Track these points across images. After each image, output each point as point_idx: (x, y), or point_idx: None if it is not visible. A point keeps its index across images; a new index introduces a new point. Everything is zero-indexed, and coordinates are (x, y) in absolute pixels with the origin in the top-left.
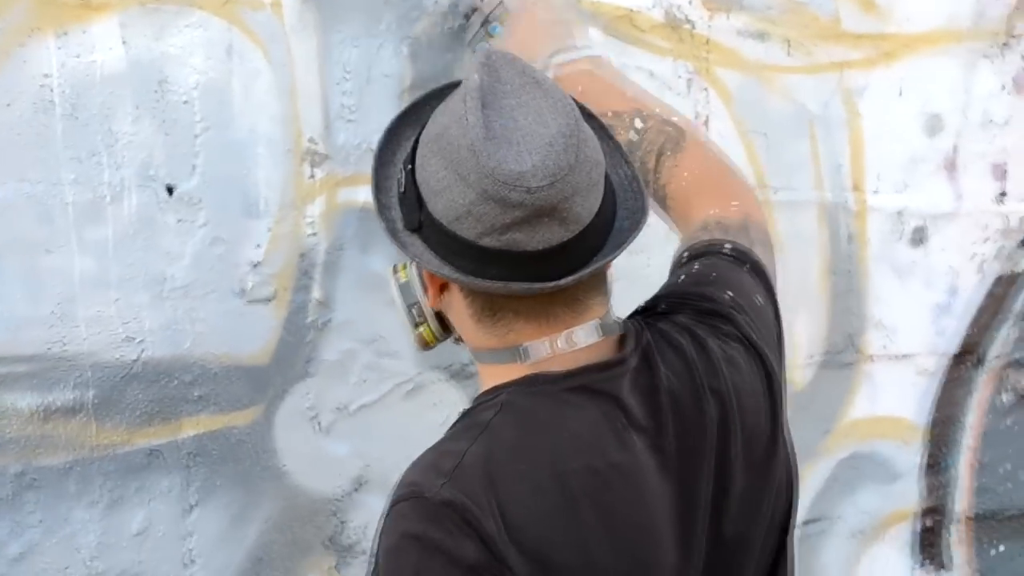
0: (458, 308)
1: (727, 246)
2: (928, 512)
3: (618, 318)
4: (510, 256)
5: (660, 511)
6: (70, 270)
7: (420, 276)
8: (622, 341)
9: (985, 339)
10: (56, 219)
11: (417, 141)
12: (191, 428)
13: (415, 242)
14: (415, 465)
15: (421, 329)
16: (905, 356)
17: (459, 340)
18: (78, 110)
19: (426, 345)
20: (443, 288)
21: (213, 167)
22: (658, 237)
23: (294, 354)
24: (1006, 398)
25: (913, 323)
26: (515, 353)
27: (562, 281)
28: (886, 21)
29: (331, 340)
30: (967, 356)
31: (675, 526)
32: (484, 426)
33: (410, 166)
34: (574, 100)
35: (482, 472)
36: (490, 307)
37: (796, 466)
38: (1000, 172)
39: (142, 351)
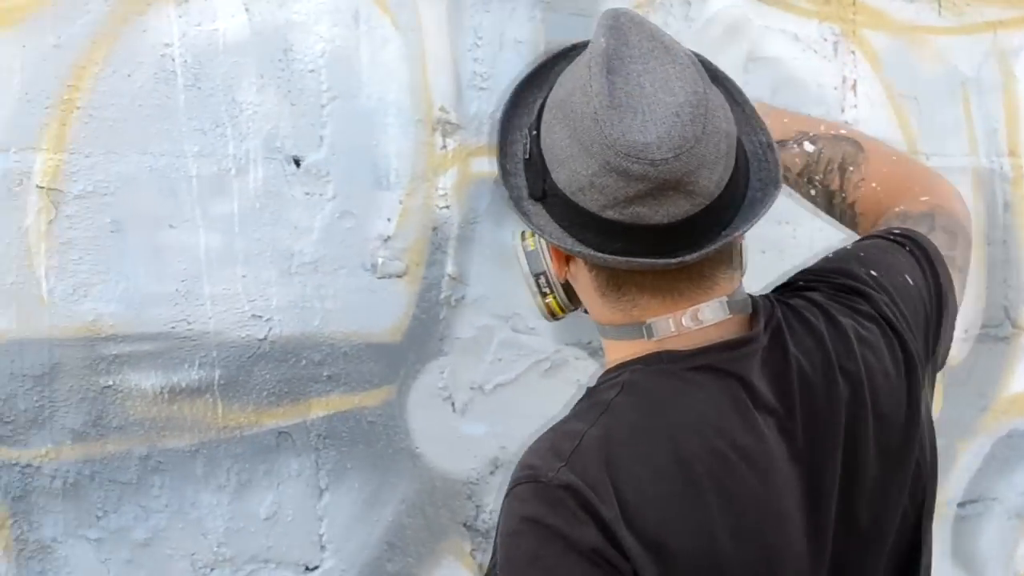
0: (583, 280)
1: (896, 231)
2: None
3: (749, 294)
4: (634, 230)
5: (788, 497)
6: (195, 246)
7: (547, 245)
8: (752, 319)
9: None
10: (180, 193)
11: (543, 105)
12: (321, 409)
13: (539, 212)
14: (534, 447)
15: (548, 299)
16: None
17: (586, 312)
18: (200, 80)
19: (553, 316)
20: (568, 259)
21: (341, 138)
22: (805, 206)
23: (427, 332)
24: None
25: None
26: (639, 329)
27: (687, 257)
28: None
29: (465, 316)
30: None
31: (804, 513)
32: (605, 406)
33: (535, 132)
34: (706, 64)
35: (601, 455)
36: (615, 281)
37: (935, 450)
38: None
39: (270, 329)
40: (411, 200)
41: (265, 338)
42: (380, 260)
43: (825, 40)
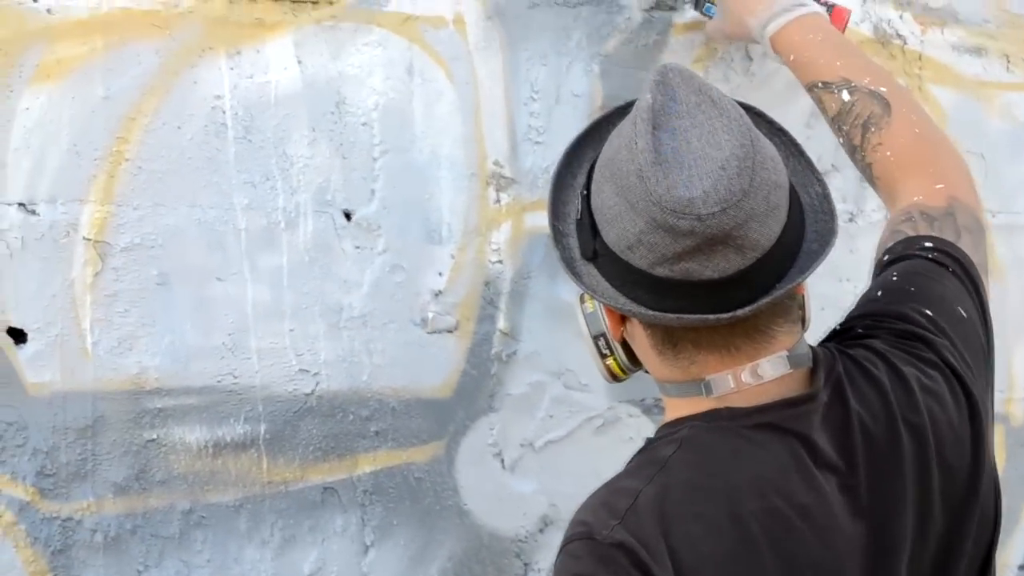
0: (639, 339)
1: (928, 244)
2: None
3: (809, 347)
4: (685, 286)
5: (850, 556)
6: (242, 299)
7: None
8: (813, 372)
9: None
10: (228, 246)
11: (594, 164)
12: (368, 464)
13: (591, 272)
14: (588, 503)
15: (609, 361)
16: None
17: (648, 371)
18: (251, 133)
19: (615, 378)
20: (624, 318)
21: (393, 191)
22: (868, 263)
23: (477, 387)
24: None
25: None
26: (698, 386)
27: (739, 312)
28: None
29: (517, 372)
30: None
31: (866, 572)
32: (662, 464)
33: (585, 192)
34: (762, 116)
35: (656, 513)
36: (670, 339)
37: (999, 495)
38: None
39: (317, 384)
40: (463, 254)
41: (312, 393)
42: (431, 315)
43: None
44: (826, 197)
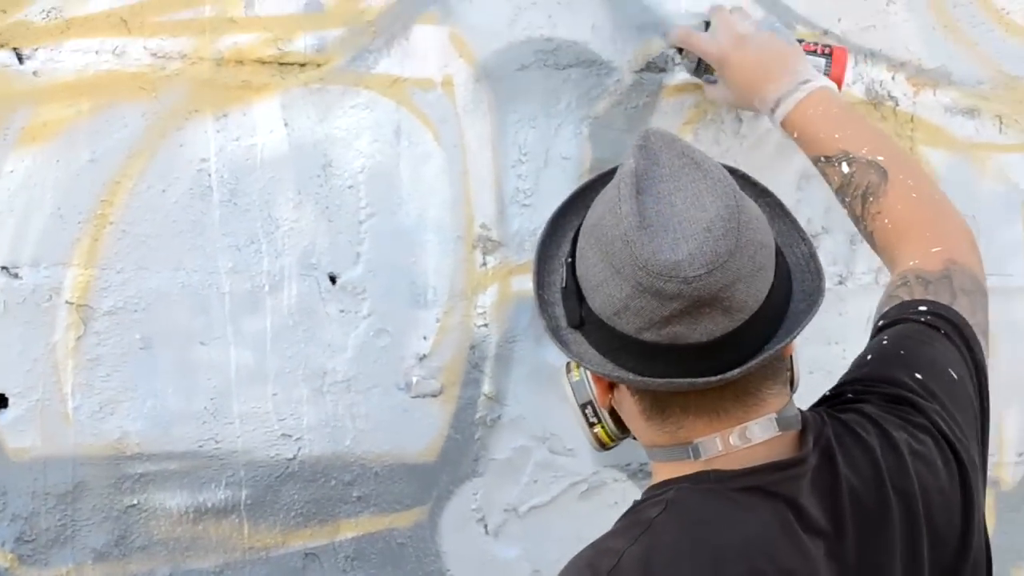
0: (627, 405)
1: (922, 308)
2: None
3: (799, 410)
4: (673, 350)
5: None
6: (226, 363)
7: (589, 373)
8: (802, 436)
9: None
10: (212, 310)
11: (578, 232)
12: (350, 530)
13: (578, 340)
14: (573, 563)
15: (597, 429)
16: None
17: (636, 438)
18: (237, 195)
19: (603, 446)
20: (612, 385)
21: (379, 255)
22: (857, 326)
23: (461, 452)
24: None
25: None
26: (686, 450)
27: (728, 374)
28: None
29: (501, 437)
30: None
31: None
32: (647, 525)
33: (570, 259)
34: (747, 178)
35: (640, 574)
36: (658, 404)
37: (991, 562)
38: None
39: (299, 448)
40: (449, 318)
41: (294, 457)
42: (415, 379)
43: None
44: (812, 257)
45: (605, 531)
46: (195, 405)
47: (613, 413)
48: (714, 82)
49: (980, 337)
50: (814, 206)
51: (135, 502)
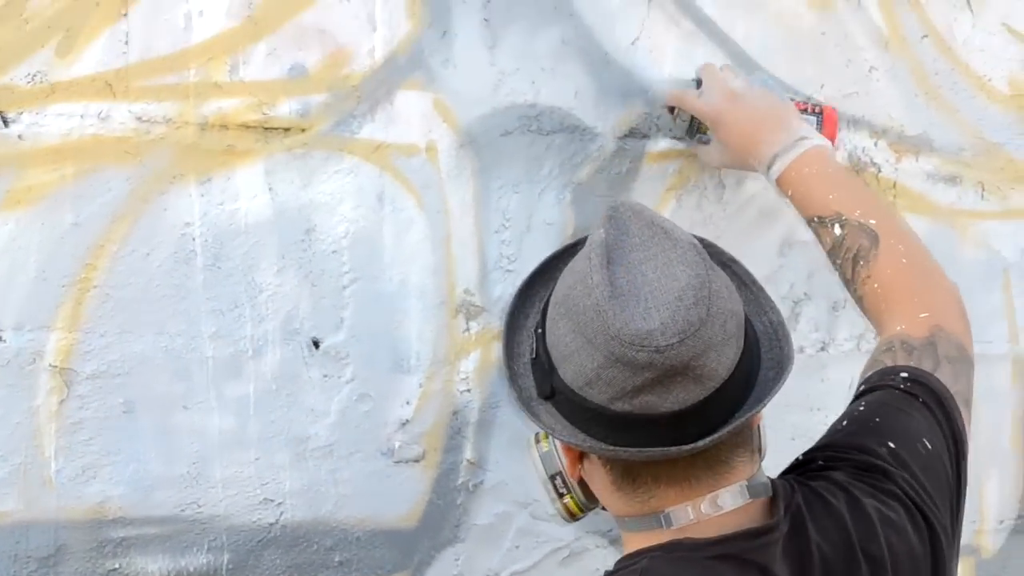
0: (597, 476)
1: (903, 374)
2: None
3: (769, 478)
4: (644, 420)
5: None
6: (208, 428)
7: (559, 444)
8: (772, 503)
9: None
10: (195, 374)
11: (547, 302)
12: None
13: (549, 411)
14: None
15: (566, 500)
16: None
17: (605, 508)
18: (220, 260)
19: (572, 516)
20: (582, 456)
21: (362, 320)
22: (839, 392)
23: (443, 518)
24: None
25: None
26: (657, 519)
27: (699, 443)
28: None
29: (483, 503)
30: None
31: None
32: None
33: (540, 330)
34: (712, 247)
35: None
36: (629, 474)
37: None
38: None
39: (281, 513)
40: (431, 384)
41: (276, 522)
42: (397, 444)
43: None
44: (780, 325)
45: None
46: (177, 469)
47: (582, 483)
48: (707, 142)
49: (961, 407)
50: (796, 272)
51: (117, 566)
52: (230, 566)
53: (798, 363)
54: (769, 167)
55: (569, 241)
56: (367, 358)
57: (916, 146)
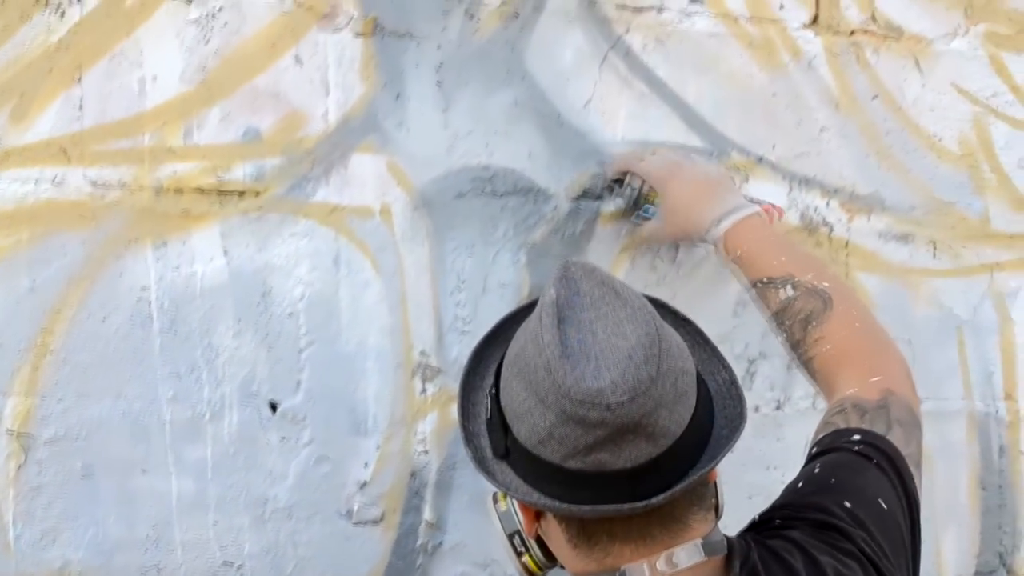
0: (554, 534)
1: (856, 437)
2: None
3: (725, 536)
4: (598, 477)
5: None
6: (167, 491)
7: (516, 502)
8: (728, 561)
9: None
10: (153, 438)
11: (502, 363)
12: None
13: (504, 470)
14: None
15: (524, 559)
16: None
17: (563, 567)
18: (177, 324)
19: (531, 575)
20: (539, 514)
21: (319, 382)
22: (796, 450)
23: None
24: None
25: None
26: None
27: (653, 500)
28: None
29: (442, 564)
30: None
31: None
32: None
33: (494, 391)
34: (665, 306)
35: None
36: (585, 532)
37: None
38: None
39: None
40: (389, 445)
41: None
42: (356, 506)
43: None
44: (733, 383)
45: None
46: (137, 533)
47: (540, 542)
48: (650, 217)
49: (913, 468)
50: (751, 331)
51: None
52: None
53: (754, 422)
54: (718, 224)
55: (524, 302)
56: (325, 420)
57: (868, 205)
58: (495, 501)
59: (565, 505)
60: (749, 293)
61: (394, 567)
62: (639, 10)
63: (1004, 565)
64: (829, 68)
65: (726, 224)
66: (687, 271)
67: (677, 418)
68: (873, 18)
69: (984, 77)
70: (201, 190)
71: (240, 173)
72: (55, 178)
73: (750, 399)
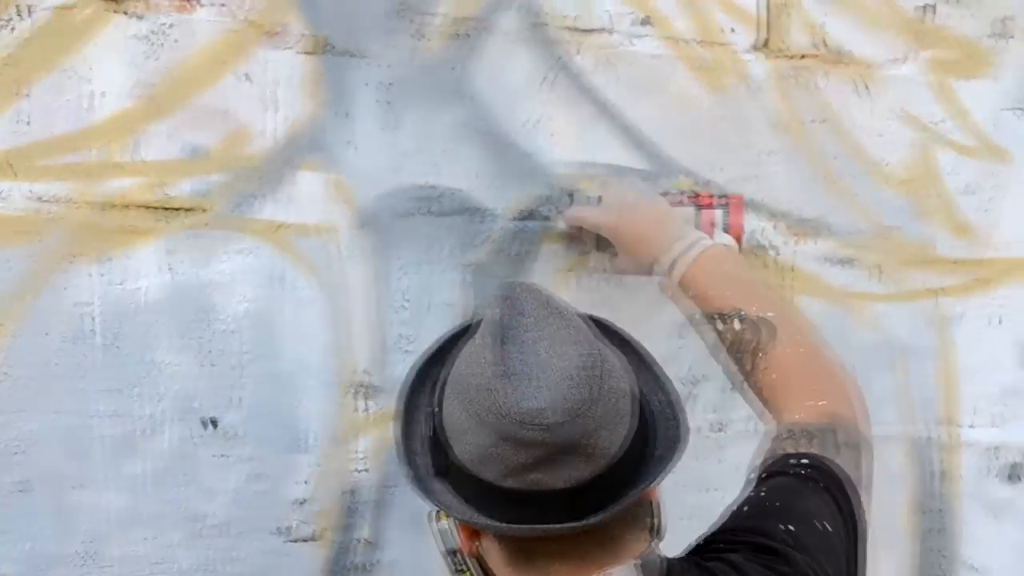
0: (493, 553)
1: (803, 460)
2: None
3: (663, 557)
4: (535, 497)
5: None
6: (102, 506)
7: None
8: None
9: None
10: (89, 453)
11: (444, 382)
12: None
13: (444, 489)
14: None
15: None
16: None
17: None
18: (119, 340)
19: None
20: (477, 533)
21: (259, 400)
22: (736, 472)
23: None
24: None
25: (1008, 565)
26: None
27: (590, 520)
28: (984, 246)
29: None
30: None
31: None
32: None
33: (436, 409)
34: (610, 326)
35: None
36: (523, 551)
37: None
38: None
39: None
40: (328, 463)
41: None
42: (292, 523)
43: None
44: (671, 404)
45: None
46: (71, 548)
47: (479, 560)
48: (615, 254)
49: (861, 492)
50: (695, 352)
51: None
52: None
53: (695, 443)
54: (670, 272)
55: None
56: (264, 437)
57: (814, 229)
58: (436, 519)
59: (504, 525)
60: (697, 328)
61: None
62: (587, 32)
63: None
64: (777, 92)
65: (676, 275)
66: (631, 291)
67: (616, 439)
68: (823, 43)
69: (931, 103)
70: (146, 206)
71: (186, 189)
72: (0, 192)
73: (691, 421)
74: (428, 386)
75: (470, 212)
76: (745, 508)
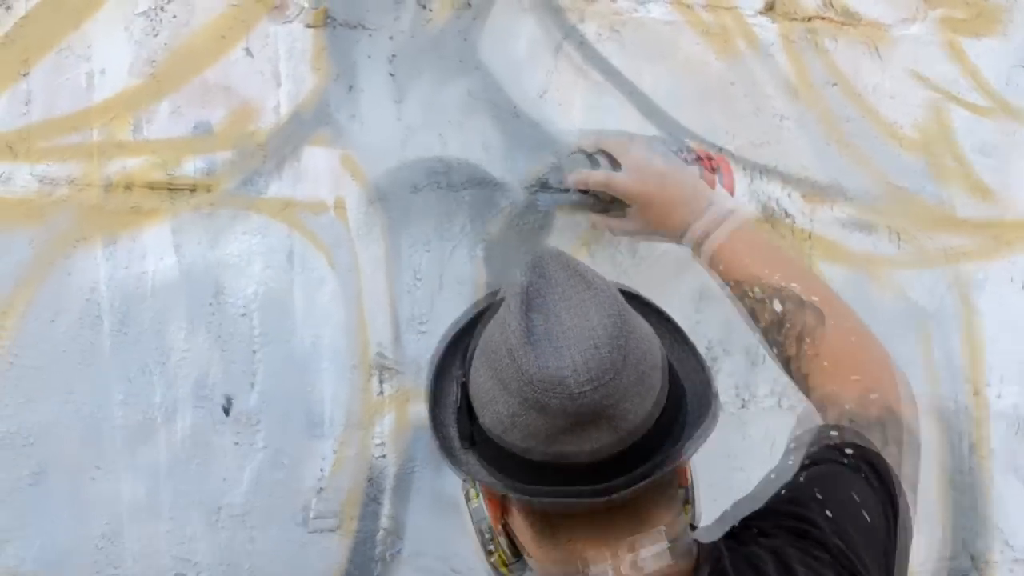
0: (520, 527)
1: (848, 451)
2: None
3: (695, 541)
4: (561, 469)
5: None
6: (118, 496)
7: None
8: (696, 568)
9: None
10: (104, 442)
11: (474, 351)
12: None
13: (470, 459)
14: None
15: (494, 558)
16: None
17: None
18: (127, 324)
19: (499, 573)
20: (505, 509)
21: (273, 383)
22: (760, 448)
23: None
24: None
25: None
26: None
27: (615, 496)
28: (1004, 208)
29: (401, 571)
30: None
31: None
32: None
33: (465, 379)
34: (648, 304)
35: None
36: (549, 525)
37: None
38: None
39: None
40: (346, 449)
41: None
42: (312, 512)
43: None
44: (707, 384)
45: None
46: (88, 539)
47: (508, 537)
48: (621, 215)
49: (906, 489)
50: (713, 327)
51: None
52: None
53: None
54: (699, 247)
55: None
56: (279, 423)
57: (830, 196)
58: (468, 499)
59: (528, 492)
60: (734, 303)
61: (351, 575)
62: None
63: (977, 569)
64: (786, 55)
65: (707, 249)
66: (648, 264)
67: (641, 411)
68: (830, 4)
69: (942, 63)
70: (151, 186)
71: (191, 168)
72: (1, 175)
73: None
74: (459, 356)
75: (480, 185)
76: (784, 492)
